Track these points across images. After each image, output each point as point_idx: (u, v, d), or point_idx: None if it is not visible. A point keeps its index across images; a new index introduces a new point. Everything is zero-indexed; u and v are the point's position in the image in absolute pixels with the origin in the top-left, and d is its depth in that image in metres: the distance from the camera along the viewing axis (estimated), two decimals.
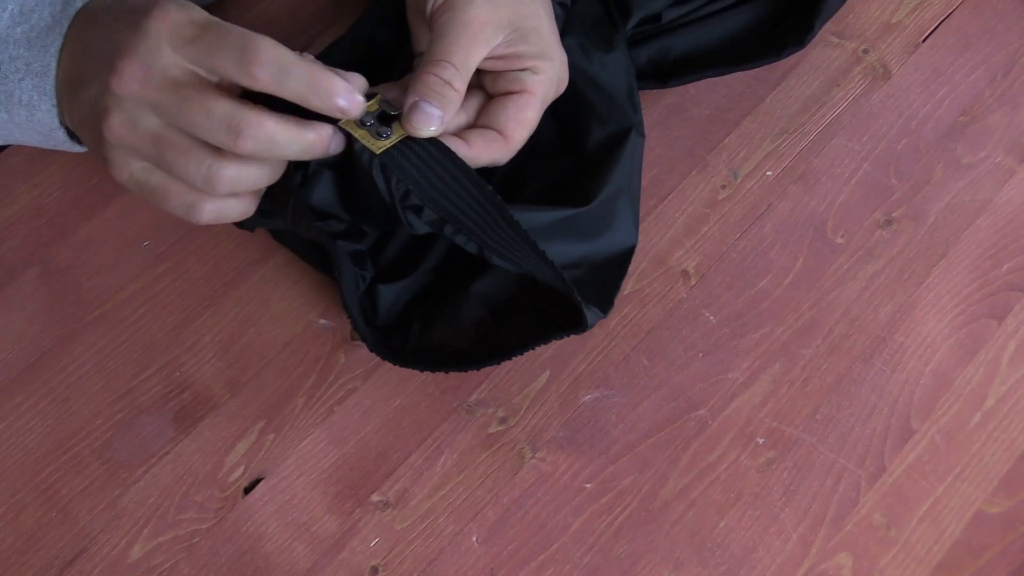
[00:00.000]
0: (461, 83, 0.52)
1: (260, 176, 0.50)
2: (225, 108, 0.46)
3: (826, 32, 0.68)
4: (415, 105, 0.51)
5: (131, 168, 0.48)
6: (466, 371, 0.57)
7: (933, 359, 0.59)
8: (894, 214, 0.62)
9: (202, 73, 0.47)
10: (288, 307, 0.60)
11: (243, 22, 0.65)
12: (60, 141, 0.52)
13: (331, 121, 0.50)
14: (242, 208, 0.51)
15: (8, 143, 0.54)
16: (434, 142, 0.52)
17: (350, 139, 0.51)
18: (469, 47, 0.52)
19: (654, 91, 0.65)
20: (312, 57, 0.50)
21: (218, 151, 0.48)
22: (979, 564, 0.54)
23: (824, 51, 0.67)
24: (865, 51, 0.67)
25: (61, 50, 0.49)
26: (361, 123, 0.51)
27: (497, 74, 0.54)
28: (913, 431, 0.57)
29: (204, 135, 0.47)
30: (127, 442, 0.56)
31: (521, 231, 0.53)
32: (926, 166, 0.64)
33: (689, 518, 0.55)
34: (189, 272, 0.60)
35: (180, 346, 0.59)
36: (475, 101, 0.55)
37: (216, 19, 0.47)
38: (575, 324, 0.54)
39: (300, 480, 0.56)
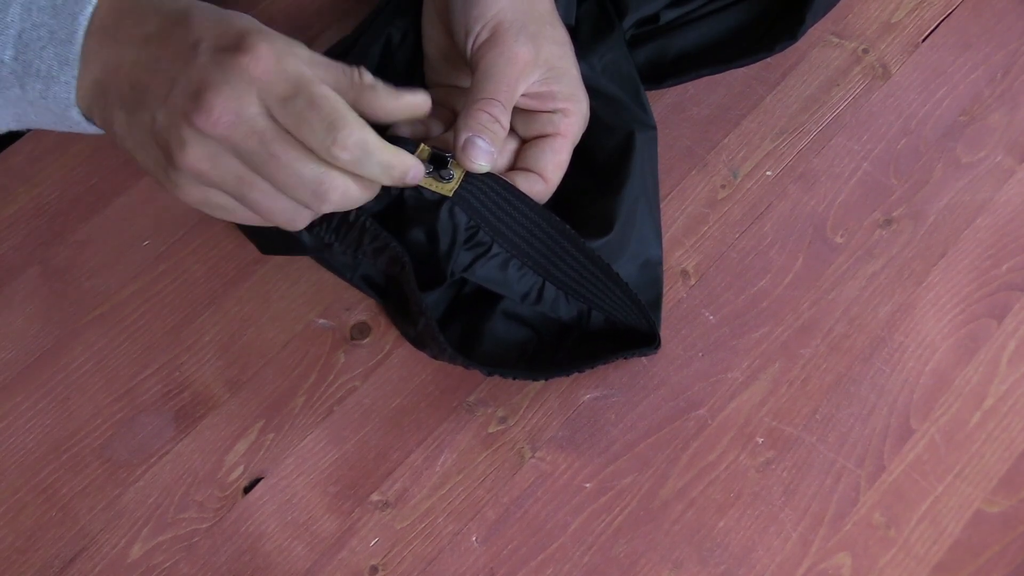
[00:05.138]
0: (507, 120, 0.54)
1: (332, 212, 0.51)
2: (312, 172, 0.47)
3: (826, 32, 0.68)
4: (469, 141, 0.53)
5: (206, 194, 0.49)
6: (535, 380, 0.58)
7: (933, 359, 0.59)
8: (894, 214, 0.62)
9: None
10: (288, 307, 0.60)
11: None
12: (75, 122, 0.50)
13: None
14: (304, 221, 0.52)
15: (24, 126, 0.52)
16: (494, 178, 0.54)
17: (415, 190, 0.53)
18: (514, 85, 0.54)
19: (653, 91, 0.65)
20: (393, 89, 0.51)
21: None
22: (978, 563, 0.54)
23: (824, 51, 0.67)
24: (865, 51, 0.67)
25: (89, 32, 0.48)
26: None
27: (530, 117, 0.56)
28: (912, 430, 0.57)
29: (288, 192, 0.48)
30: (127, 442, 0.56)
31: (596, 258, 0.55)
32: (926, 166, 0.64)
33: (688, 518, 0.55)
34: (188, 272, 0.60)
35: (180, 346, 0.59)
36: (511, 145, 0.57)
37: (308, 75, 0.47)
38: (645, 343, 0.57)
39: (300, 480, 0.56)
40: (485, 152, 0.53)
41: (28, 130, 0.64)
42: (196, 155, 0.46)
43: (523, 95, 0.55)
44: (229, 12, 0.48)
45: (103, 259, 0.61)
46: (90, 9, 0.48)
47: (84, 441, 0.56)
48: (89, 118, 0.50)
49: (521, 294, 0.56)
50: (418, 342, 0.58)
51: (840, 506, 0.55)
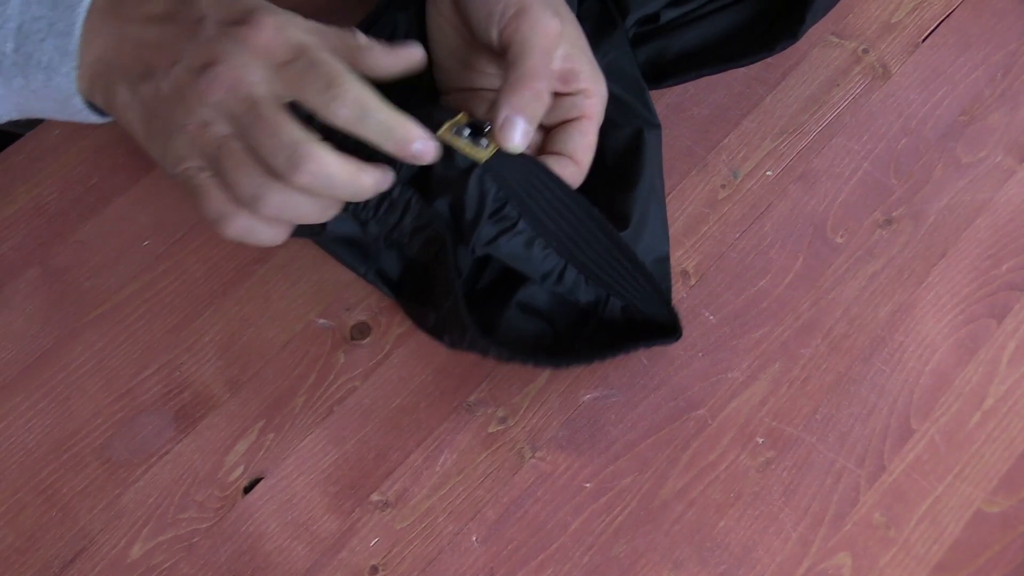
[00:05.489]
0: (549, 96, 0.52)
1: (308, 211, 0.49)
2: (292, 135, 0.46)
3: (826, 32, 0.68)
4: (509, 120, 0.51)
5: (187, 164, 0.49)
6: (556, 367, 0.57)
7: (933, 359, 0.59)
8: (894, 214, 0.62)
9: (285, 97, 0.47)
10: (288, 307, 0.60)
11: None
12: (77, 110, 0.51)
13: (431, 130, 0.50)
14: (272, 235, 0.51)
15: (25, 115, 0.53)
16: (526, 156, 0.53)
17: (448, 151, 0.51)
18: (549, 57, 0.53)
19: (654, 91, 0.65)
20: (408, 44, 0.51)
21: (273, 174, 0.48)
22: (978, 563, 0.54)
23: (824, 51, 0.67)
24: (865, 51, 0.67)
25: (89, 12, 0.49)
26: (458, 134, 0.51)
27: (555, 103, 0.55)
28: (913, 430, 0.57)
29: (266, 156, 0.47)
30: (127, 442, 0.56)
31: (624, 244, 0.54)
32: (926, 166, 0.64)
33: (688, 518, 0.55)
34: (189, 272, 0.60)
35: (180, 346, 0.59)
36: (535, 137, 0.56)
37: (310, 42, 0.47)
38: (667, 333, 0.56)
39: (300, 480, 0.56)
40: (523, 132, 0.51)
41: (28, 131, 0.64)
42: (196, 119, 0.47)
43: None
44: None
45: (103, 259, 0.61)
46: (88, 1, 0.48)
47: (84, 441, 0.56)
48: (91, 102, 0.51)
49: (543, 273, 0.55)
50: (437, 330, 0.58)
51: (840, 506, 0.55)
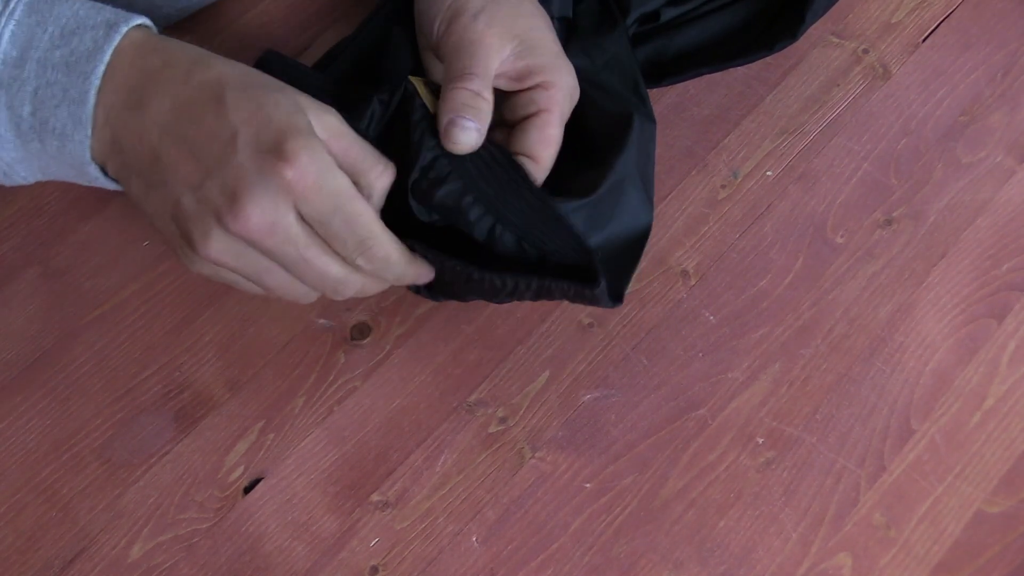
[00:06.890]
0: (488, 92, 0.52)
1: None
2: (338, 273, 0.50)
3: (826, 32, 0.68)
4: (452, 122, 0.51)
5: (217, 271, 0.50)
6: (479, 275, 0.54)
7: (933, 359, 0.59)
8: (894, 214, 0.62)
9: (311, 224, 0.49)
10: (288, 307, 0.60)
11: (244, 22, 0.66)
12: (93, 177, 0.50)
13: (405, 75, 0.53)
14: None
15: (50, 178, 0.52)
16: None
17: (408, 97, 0.53)
18: (485, 58, 0.53)
19: (654, 90, 0.65)
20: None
21: (319, 289, 0.52)
22: (979, 564, 0.54)
23: (824, 51, 0.67)
24: (865, 51, 0.67)
25: (104, 79, 0.47)
26: (429, 87, 0.52)
27: (514, 100, 0.55)
28: (913, 431, 0.57)
29: (313, 284, 0.50)
30: (127, 442, 0.56)
31: (544, 197, 0.52)
32: (926, 166, 0.64)
33: (689, 518, 0.55)
34: (188, 272, 0.60)
35: (180, 346, 0.59)
36: (499, 137, 0.55)
37: (346, 193, 0.48)
38: (588, 283, 0.52)
39: (300, 480, 0.56)
40: (470, 130, 0.51)
41: None
42: (219, 249, 0.47)
43: (499, 75, 0.54)
44: (264, 96, 0.47)
45: (103, 259, 0.61)
46: (102, 68, 0.47)
47: (84, 441, 0.56)
48: (107, 172, 0.51)
49: (474, 228, 0.53)
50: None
51: (840, 506, 0.55)
